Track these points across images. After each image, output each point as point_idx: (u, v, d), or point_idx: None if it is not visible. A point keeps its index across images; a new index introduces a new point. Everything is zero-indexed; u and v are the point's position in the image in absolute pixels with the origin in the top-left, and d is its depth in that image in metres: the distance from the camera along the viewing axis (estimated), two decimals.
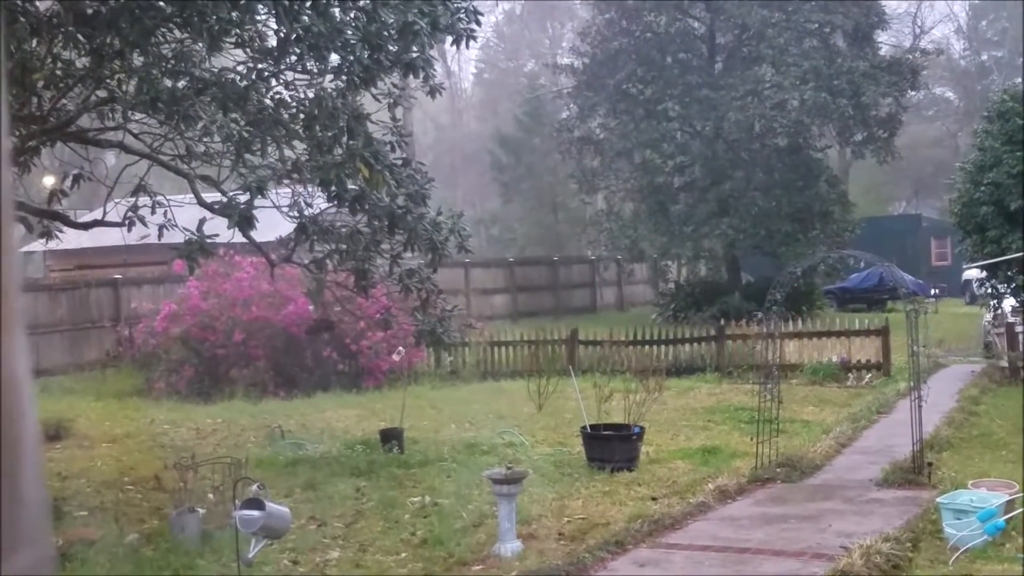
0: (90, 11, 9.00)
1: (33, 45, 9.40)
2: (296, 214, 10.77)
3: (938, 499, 8.89)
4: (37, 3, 9.44)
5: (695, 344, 20.76)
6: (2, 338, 0.71)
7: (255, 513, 6.62)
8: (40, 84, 9.66)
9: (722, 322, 21.77)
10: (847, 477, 11.28)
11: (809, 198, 30.79)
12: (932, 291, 34.48)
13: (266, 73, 10.01)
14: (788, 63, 29.39)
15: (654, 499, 10.14)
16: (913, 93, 35.84)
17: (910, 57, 33.90)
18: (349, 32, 9.52)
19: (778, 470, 11.24)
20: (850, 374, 18.98)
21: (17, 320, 0.73)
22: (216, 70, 9.90)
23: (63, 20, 9.07)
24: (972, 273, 30.98)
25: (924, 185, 58.47)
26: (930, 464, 10.90)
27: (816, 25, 30.80)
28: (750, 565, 8.14)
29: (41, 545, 0.74)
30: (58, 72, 9.92)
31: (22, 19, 8.65)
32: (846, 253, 23.13)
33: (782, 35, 30.06)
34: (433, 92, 10.83)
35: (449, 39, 10.62)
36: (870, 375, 18.93)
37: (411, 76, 10.57)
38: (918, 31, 59.53)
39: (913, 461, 10.91)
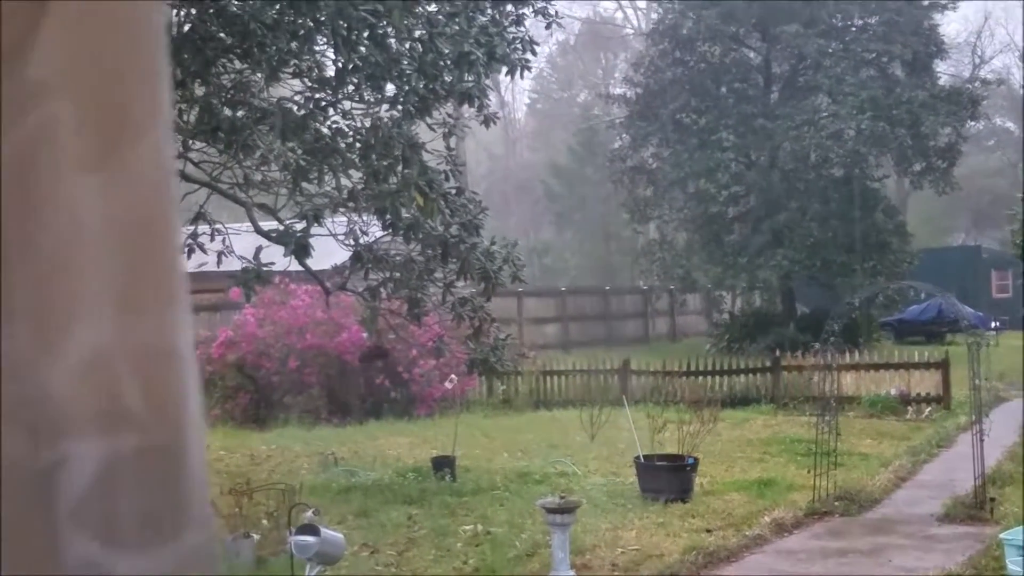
0: None
1: None
2: (351, 242, 10.84)
3: (1001, 535, 8.68)
4: None
5: (750, 375, 20.56)
6: (165, 311, 0.72)
7: (310, 539, 6.63)
8: None
9: (777, 353, 21.55)
10: (907, 511, 11.08)
11: (866, 228, 30.46)
12: (993, 323, 33.90)
13: (323, 103, 10.13)
14: (845, 92, 29.19)
15: (709, 531, 10.02)
16: (973, 123, 35.45)
17: (970, 87, 33.54)
18: (405, 62, 9.61)
19: (836, 503, 11.06)
20: (909, 407, 18.67)
21: (182, 294, 0.75)
22: (275, 100, 10.02)
23: None
24: None
25: (984, 216, 57.64)
26: (992, 499, 10.67)
27: (874, 55, 30.61)
28: None
29: (207, 525, 0.75)
30: None
31: None
32: (905, 284, 22.86)
33: (839, 64, 29.87)
34: (487, 121, 10.89)
35: (504, 69, 10.68)
36: (930, 408, 18.61)
37: (466, 105, 10.65)
38: (978, 61, 58.96)
39: (975, 496, 10.69)
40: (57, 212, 0.73)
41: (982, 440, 10.61)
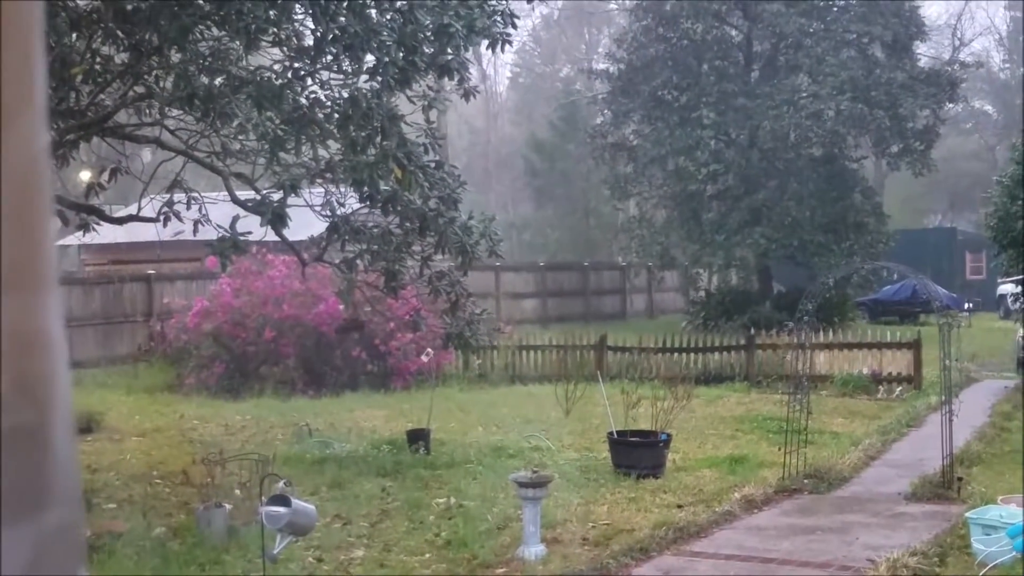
0: (130, 7, 9.08)
1: (73, 40, 9.50)
2: (328, 213, 10.82)
3: (967, 514, 8.80)
4: None
5: (725, 353, 20.66)
6: (34, 295, 0.73)
7: (281, 510, 6.65)
8: (79, 79, 9.75)
9: (752, 331, 21.66)
10: (876, 490, 11.20)
11: (843, 209, 30.58)
12: (966, 305, 34.16)
13: (302, 72, 10.07)
14: (825, 73, 29.23)
15: (680, 506, 10.10)
16: (951, 105, 35.52)
17: (949, 69, 33.63)
18: (385, 33, 9.56)
19: (806, 481, 11.17)
20: (881, 387, 18.83)
21: (51, 279, 0.75)
22: (252, 68, 9.97)
23: (103, 16, 9.17)
24: (1007, 288, 30.71)
25: (960, 198, 57.97)
26: (960, 479, 10.79)
27: (854, 35, 30.64)
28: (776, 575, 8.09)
29: (72, 505, 0.75)
30: (97, 67, 10.03)
31: (63, 13, 8.75)
32: (880, 265, 22.97)
33: (820, 44, 29.91)
34: (467, 95, 10.86)
35: (485, 42, 10.64)
36: (901, 388, 18.77)
37: (446, 78, 10.61)
38: (958, 43, 59.00)
39: (943, 475, 10.81)
40: None
41: (951, 420, 10.71)
